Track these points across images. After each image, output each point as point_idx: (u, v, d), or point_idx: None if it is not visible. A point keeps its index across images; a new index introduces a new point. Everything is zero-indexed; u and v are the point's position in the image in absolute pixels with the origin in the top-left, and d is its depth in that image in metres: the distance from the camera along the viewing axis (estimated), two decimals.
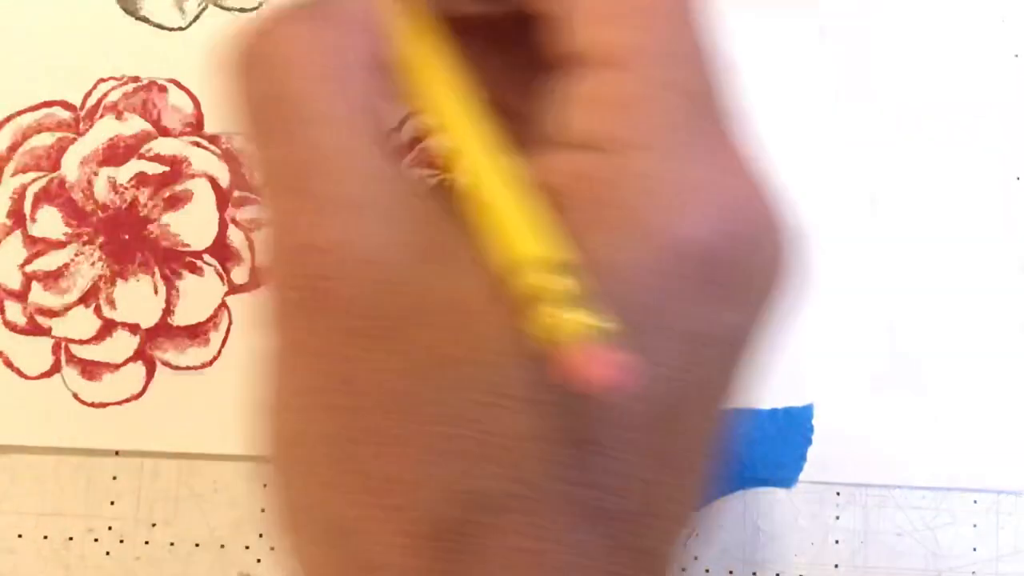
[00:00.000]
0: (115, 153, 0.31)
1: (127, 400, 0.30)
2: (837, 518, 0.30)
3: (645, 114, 0.18)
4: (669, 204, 0.17)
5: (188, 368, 0.30)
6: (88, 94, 0.31)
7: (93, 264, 0.30)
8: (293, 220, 0.18)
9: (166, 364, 0.30)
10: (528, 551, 0.17)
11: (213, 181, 0.31)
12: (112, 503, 0.30)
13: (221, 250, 0.31)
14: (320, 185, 0.18)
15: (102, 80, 0.31)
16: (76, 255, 0.30)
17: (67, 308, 0.30)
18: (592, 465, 0.17)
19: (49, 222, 0.31)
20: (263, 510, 0.30)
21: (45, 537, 0.30)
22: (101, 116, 0.31)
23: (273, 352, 0.19)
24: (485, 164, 0.19)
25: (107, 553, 0.30)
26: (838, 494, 0.30)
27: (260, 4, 0.32)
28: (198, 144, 0.31)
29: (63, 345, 0.30)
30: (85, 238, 0.31)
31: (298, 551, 0.20)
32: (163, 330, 0.30)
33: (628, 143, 0.18)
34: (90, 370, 0.30)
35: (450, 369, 0.17)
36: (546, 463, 0.17)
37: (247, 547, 0.30)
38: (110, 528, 0.30)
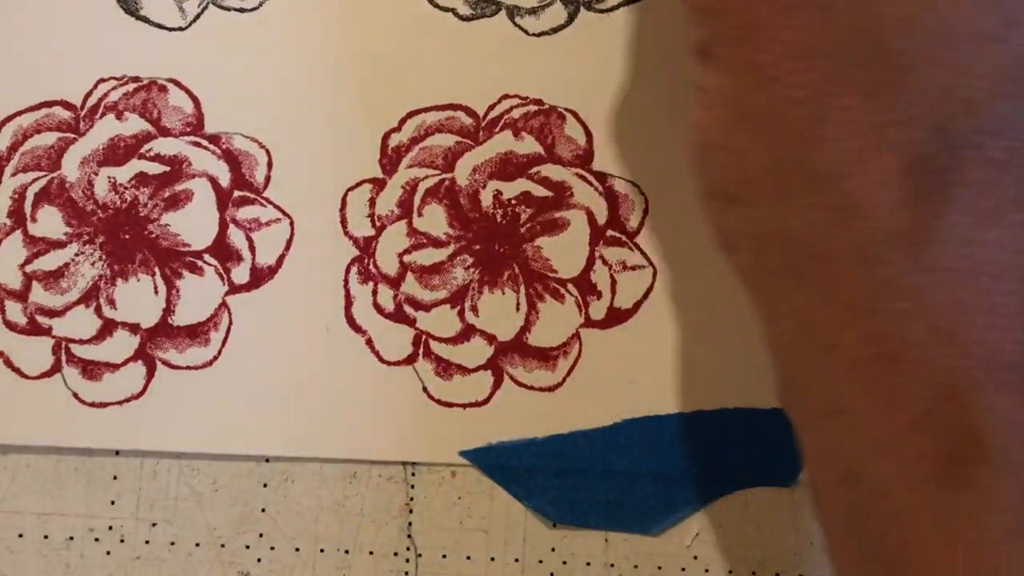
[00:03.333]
0: (115, 153, 0.31)
1: (127, 400, 0.30)
2: None
3: None
4: None
5: (188, 368, 0.30)
6: (88, 94, 0.31)
7: (93, 264, 0.30)
8: None
9: (166, 364, 0.30)
10: (987, 184, 0.19)
11: (213, 181, 0.31)
12: (112, 503, 0.30)
13: (221, 250, 0.31)
14: None
15: (102, 80, 0.31)
16: (76, 255, 0.30)
17: (67, 308, 0.30)
18: None
19: (49, 222, 0.31)
20: (263, 510, 0.30)
21: (45, 537, 0.30)
22: (101, 116, 0.31)
23: (708, 58, 0.22)
24: None
25: (107, 553, 0.30)
26: None
27: (260, 4, 0.32)
28: (198, 144, 0.31)
29: (63, 345, 0.30)
30: (85, 238, 0.31)
31: (753, 214, 0.22)
32: (163, 330, 0.30)
33: None
34: (90, 370, 0.30)
35: (925, 19, 0.19)
36: (1001, 101, 0.20)
37: (247, 547, 0.30)
38: (110, 528, 0.30)
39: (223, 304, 0.30)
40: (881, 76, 0.20)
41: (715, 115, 0.22)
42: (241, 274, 0.31)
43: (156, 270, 0.30)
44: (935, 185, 0.20)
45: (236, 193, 0.31)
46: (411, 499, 0.30)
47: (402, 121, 0.31)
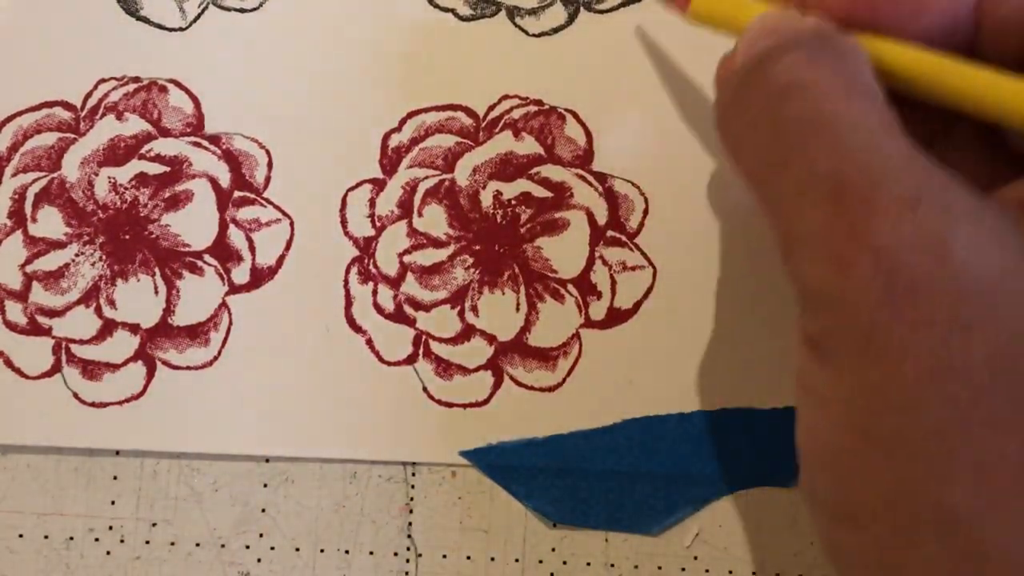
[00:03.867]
0: (115, 153, 0.31)
1: (127, 400, 0.30)
2: None
3: None
4: None
5: (188, 368, 0.30)
6: (88, 94, 0.31)
7: (93, 264, 0.30)
8: (867, 221, 0.19)
9: (166, 364, 0.30)
10: None
11: (213, 181, 0.31)
12: (112, 503, 0.30)
13: (221, 250, 0.31)
14: (894, 184, 0.19)
15: (102, 80, 0.31)
16: (76, 255, 0.30)
17: (67, 308, 0.30)
18: None
19: (49, 222, 0.31)
20: (263, 510, 0.30)
21: (46, 537, 0.30)
22: (101, 116, 0.31)
23: (828, 354, 0.20)
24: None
25: (107, 553, 0.30)
26: None
27: (260, 4, 0.32)
28: (198, 144, 0.31)
29: (63, 345, 0.30)
30: (85, 238, 0.31)
31: (863, 540, 0.20)
32: (163, 330, 0.30)
33: None
34: (90, 370, 0.30)
35: None
36: None
37: (247, 547, 0.30)
38: (110, 528, 0.30)
39: (223, 304, 0.30)
40: (1021, 410, 0.18)
41: (829, 423, 0.20)
42: (241, 274, 0.31)
43: (156, 270, 0.30)
44: None
45: (236, 193, 0.31)
46: (411, 499, 0.30)
47: (402, 121, 0.31)
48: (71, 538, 0.30)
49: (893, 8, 0.23)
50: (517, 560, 0.30)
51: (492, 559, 0.30)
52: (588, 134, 0.31)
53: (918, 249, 0.19)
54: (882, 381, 0.19)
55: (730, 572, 0.30)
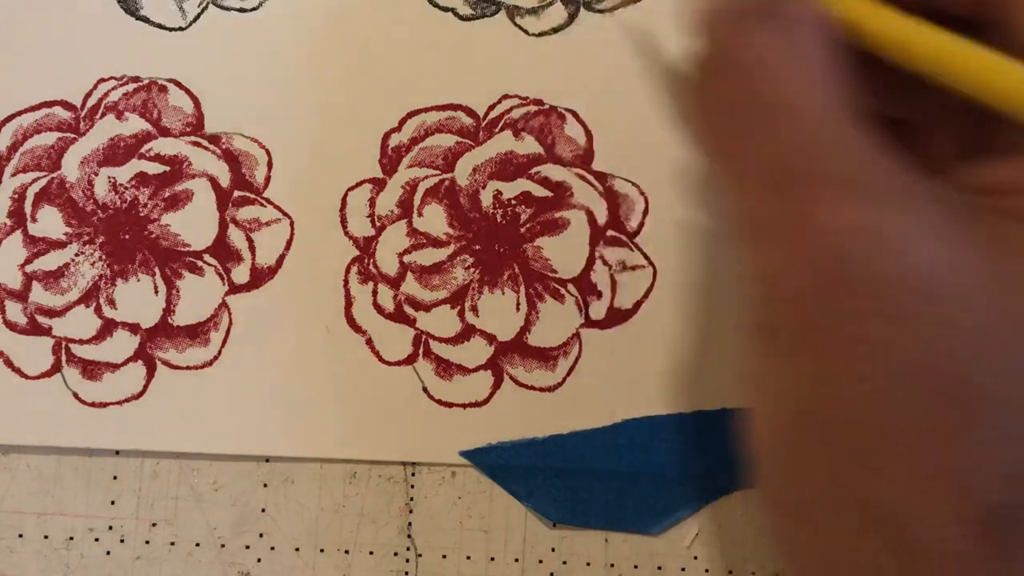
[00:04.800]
0: (115, 153, 0.31)
1: (127, 400, 0.30)
2: None
3: None
4: None
5: (188, 368, 0.30)
6: (88, 94, 0.31)
7: (93, 264, 0.30)
8: (802, 208, 0.19)
9: (166, 364, 0.30)
10: None
11: (213, 181, 0.31)
12: (112, 503, 0.30)
13: (221, 250, 0.31)
14: (833, 170, 0.19)
15: (102, 80, 0.31)
16: (76, 255, 0.30)
17: (67, 308, 0.30)
18: None
19: (49, 222, 0.31)
20: (263, 510, 0.30)
21: (45, 537, 0.30)
22: (101, 116, 0.31)
23: (769, 341, 0.20)
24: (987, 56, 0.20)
25: (107, 553, 0.30)
26: None
27: (260, 4, 0.32)
28: (198, 144, 0.31)
29: (63, 345, 0.30)
30: (85, 238, 0.31)
31: (804, 532, 0.20)
32: (163, 330, 0.30)
33: None
34: (90, 370, 0.30)
35: (983, 345, 0.18)
36: None
37: (247, 547, 0.30)
38: (110, 528, 0.30)
39: (223, 304, 0.30)
40: (956, 410, 0.18)
41: (771, 414, 0.20)
42: (241, 274, 0.31)
43: (156, 270, 0.30)
44: (1012, 543, 0.18)
45: (236, 193, 0.31)
46: (411, 499, 0.30)
47: (402, 121, 0.31)
48: (71, 538, 0.30)
49: None
50: (517, 560, 0.30)
51: (492, 559, 0.30)
52: (588, 134, 0.31)
53: (855, 237, 0.18)
54: (816, 372, 0.19)
55: (730, 572, 0.30)
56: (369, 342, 0.30)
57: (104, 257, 0.30)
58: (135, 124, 0.31)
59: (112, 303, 0.30)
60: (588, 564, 0.30)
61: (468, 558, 0.30)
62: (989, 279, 0.18)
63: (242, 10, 0.32)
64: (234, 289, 0.31)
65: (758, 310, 0.20)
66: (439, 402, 0.30)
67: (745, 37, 0.20)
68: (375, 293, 0.30)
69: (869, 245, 0.18)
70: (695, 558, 0.30)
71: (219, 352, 0.30)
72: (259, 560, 0.30)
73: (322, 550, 0.30)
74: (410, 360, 0.30)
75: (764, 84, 0.20)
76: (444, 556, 0.30)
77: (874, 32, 0.22)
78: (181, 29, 0.32)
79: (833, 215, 0.18)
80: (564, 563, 0.30)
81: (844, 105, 0.20)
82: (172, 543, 0.30)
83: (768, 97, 0.20)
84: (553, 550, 0.30)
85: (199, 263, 0.31)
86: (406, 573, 0.30)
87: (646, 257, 0.31)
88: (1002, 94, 0.20)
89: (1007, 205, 0.20)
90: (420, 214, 0.31)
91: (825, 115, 0.20)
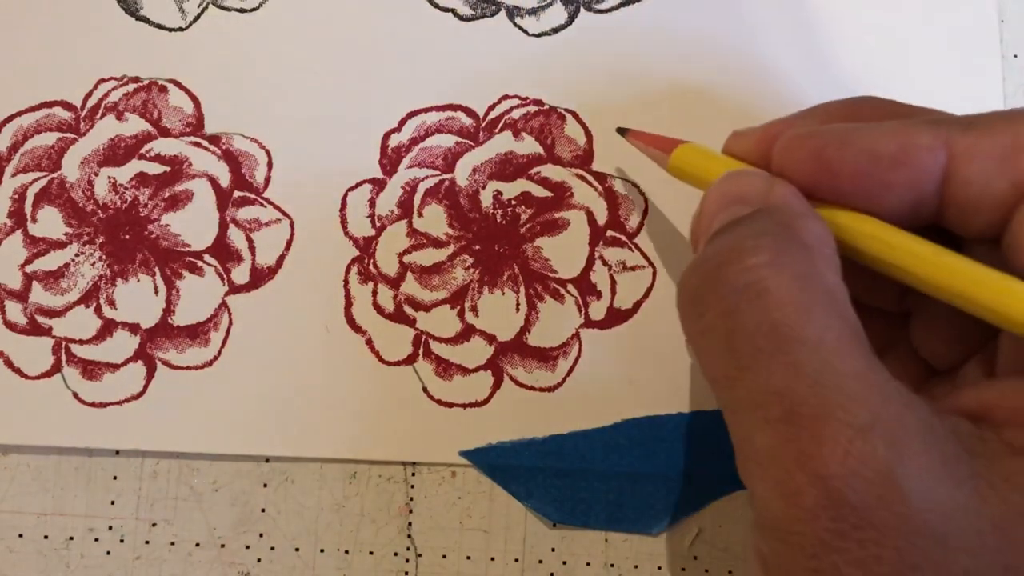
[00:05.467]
0: (115, 153, 0.31)
1: (127, 400, 0.30)
2: None
3: None
4: None
5: (188, 368, 0.30)
6: (88, 94, 0.31)
7: (93, 264, 0.30)
8: (809, 447, 0.18)
9: (166, 364, 0.30)
10: None
11: (213, 181, 0.31)
12: (112, 503, 0.30)
13: (221, 250, 0.31)
14: (848, 409, 0.18)
15: (102, 80, 0.31)
16: (76, 255, 0.30)
17: (67, 308, 0.30)
18: None
19: (49, 222, 0.31)
20: (263, 510, 0.30)
21: (45, 537, 0.30)
22: (101, 116, 0.31)
23: (760, 571, 0.19)
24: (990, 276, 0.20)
25: (107, 553, 0.30)
26: None
27: (260, 4, 0.32)
28: (198, 144, 0.31)
29: (63, 345, 0.30)
30: (85, 238, 0.31)
31: None
32: (163, 330, 0.30)
33: None
34: (90, 370, 0.30)
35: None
36: None
37: (247, 547, 0.30)
38: (110, 528, 0.30)
39: (223, 304, 0.30)
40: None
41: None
42: (241, 274, 0.31)
43: (156, 270, 0.30)
44: None
45: (236, 193, 0.31)
46: (411, 499, 0.30)
47: (402, 121, 0.31)
48: (71, 538, 0.30)
49: (857, 184, 0.22)
50: (517, 560, 0.30)
51: (492, 559, 0.30)
52: (588, 134, 0.31)
53: (867, 481, 0.18)
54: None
55: (730, 572, 0.30)
56: (369, 342, 0.30)
57: (104, 257, 0.30)
58: (135, 124, 0.31)
59: (112, 303, 0.30)
60: (588, 564, 0.30)
61: (468, 558, 0.30)
62: (991, 529, 0.18)
63: (242, 10, 0.32)
64: (234, 289, 0.31)
65: (763, 541, 0.20)
66: (439, 402, 0.30)
67: (753, 257, 0.20)
68: (375, 293, 0.31)
69: (883, 491, 0.18)
70: (695, 558, 0.30)
71: (219, 352, 0.30)
72: (259, 560, 0.30)
73: (322, 550, 0.30)
74: (410, 360, 0.30)
75: (780, 312, 0.19)
76: (444, 556, 0.30)
77: (866, 247, 0.22)
78: (181, 29, 0.32)
79: (847, 457, 0.18)
80: (564, 563, 0.30)
81: (857, 336, 0.19)
82: (172, 543, 0.30)
83: (783, 328, 0.19)
84: (553, 550, 0.30)
85: (199, 263, 0.31)
86: (406, 573, 0.30)
87: (646, 257, 0.31)
88: (1007, 317, 0.20)
89: (1007, 438, 0.19)
90: (420, 214, 0.31)
91: (841, 348, 0.19)
